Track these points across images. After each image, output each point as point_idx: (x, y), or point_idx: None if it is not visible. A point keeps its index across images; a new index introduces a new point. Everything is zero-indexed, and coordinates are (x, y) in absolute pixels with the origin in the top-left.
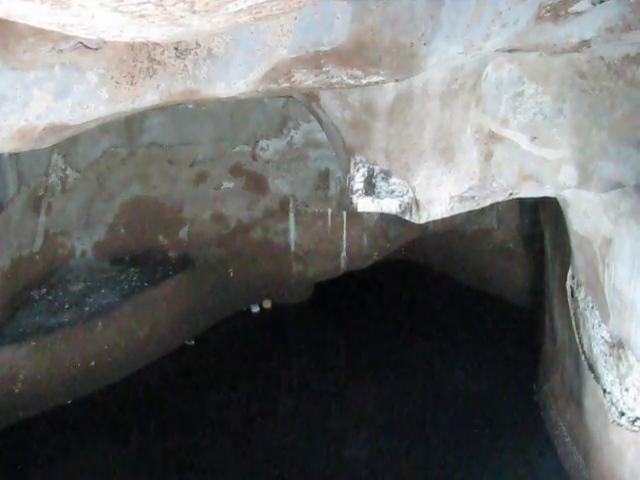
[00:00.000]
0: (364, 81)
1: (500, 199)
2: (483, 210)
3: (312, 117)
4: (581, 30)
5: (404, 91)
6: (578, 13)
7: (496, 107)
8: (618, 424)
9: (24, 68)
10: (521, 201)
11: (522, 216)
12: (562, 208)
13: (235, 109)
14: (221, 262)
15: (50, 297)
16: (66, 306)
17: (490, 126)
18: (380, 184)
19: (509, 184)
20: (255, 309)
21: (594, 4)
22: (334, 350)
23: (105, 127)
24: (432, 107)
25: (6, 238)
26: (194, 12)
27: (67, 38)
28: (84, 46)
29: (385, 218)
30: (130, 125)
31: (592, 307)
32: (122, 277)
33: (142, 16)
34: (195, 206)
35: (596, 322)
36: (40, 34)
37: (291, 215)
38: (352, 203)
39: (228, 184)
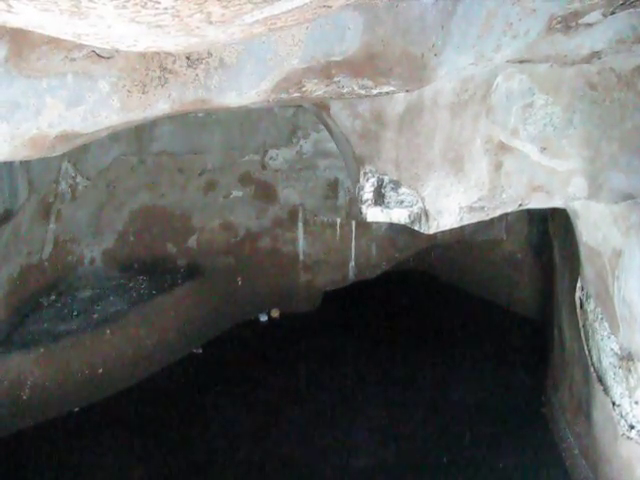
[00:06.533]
0: (375, 91)
1: (509, 210)
2: (492, 221)
3: (322, 127)
4: (592, 41)
5: (414, 101)
6: (589, 24)
7: (506, 118)
8: (627, 437)
9: (37, 76)
10: (530, 212)
11: (531, 227)
12: (571, 219)
13: (245, 118)
14: (230, 271)
15: (59, 304)
16: (75, 313)
17: (500, 137)
18: (389, 194)
19: (519, 195)
20: (263, 318)
21: (605, 15)
22: (342, 359)
23: (115, 135)
24: (442, 117)
25: (16, 245)
26: (210, 23)
27: (80, 47)
28: (97, 55)
29: (394, 228)
30: (140, 133)
31: (601, 319)
32: (131, 285)
33: (158, 26)
34: (204, 215)
35: (605, 334)
36: (53, 42)
37: (300, 224)
38: (361, 213)
39: (237, 193)
